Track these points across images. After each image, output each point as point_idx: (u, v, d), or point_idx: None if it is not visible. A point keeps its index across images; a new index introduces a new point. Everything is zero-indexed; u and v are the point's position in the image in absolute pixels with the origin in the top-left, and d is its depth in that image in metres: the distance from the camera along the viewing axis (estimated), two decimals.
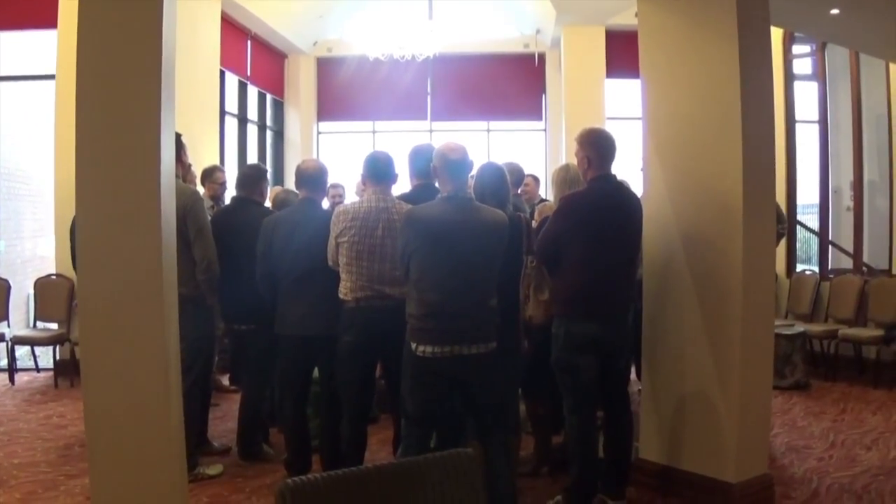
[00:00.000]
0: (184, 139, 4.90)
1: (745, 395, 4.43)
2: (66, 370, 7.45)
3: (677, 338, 4.68)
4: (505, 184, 4.35)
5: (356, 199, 4.48)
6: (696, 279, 4.59)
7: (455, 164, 3.86)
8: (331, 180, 5.91)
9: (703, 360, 4.55)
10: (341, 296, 4.30)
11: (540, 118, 12.59)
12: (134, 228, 3.46)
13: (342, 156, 12.30)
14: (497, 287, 3.90)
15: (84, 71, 3.43)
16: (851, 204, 9.23)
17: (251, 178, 5.34)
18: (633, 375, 5.46)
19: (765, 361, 4.61)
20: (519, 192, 5.76)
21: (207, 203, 6.28)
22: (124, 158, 3.43)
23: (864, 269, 8.87)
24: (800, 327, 7.85)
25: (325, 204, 5.50)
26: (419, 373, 3.79)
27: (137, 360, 3.45)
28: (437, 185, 4.05)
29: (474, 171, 4.31)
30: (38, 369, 8.07)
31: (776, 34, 5.89)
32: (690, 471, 4.59)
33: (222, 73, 9.75)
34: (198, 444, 5.08)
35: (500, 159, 5.22)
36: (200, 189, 6.51)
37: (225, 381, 7.30)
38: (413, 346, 3.76)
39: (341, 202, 7.11)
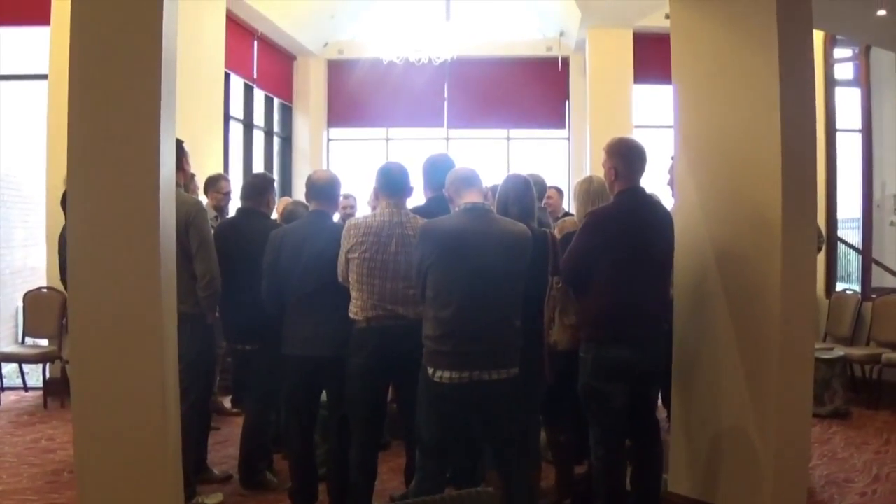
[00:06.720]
0: (185, 146, 4.86)
1: (783, 424, 4.35)
2: (57, 390, 7.40)
3: (710, 362, 4.62)
4: (529, 194, 4.34)
5: (368, 211, 4.43)
6: (731, 299, 4.53)
7: (464, 175, 3.94)
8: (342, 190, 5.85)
9: (738, 386, 4.48)
10: (352, 315, 4.26)
11: (563, 126, 12.54)
12: (130, 241, 3.44)
13: (353, 164, 12.29)
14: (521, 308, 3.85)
15: (76, 72, 3.40)
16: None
17: (257, 188, 5.32)
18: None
19: (804, 389, 4.53)
20: (542, 205, 5.69)
21: (211, 214, 6.25)
22: (120, 165, 3.41)
23: None
24: (840, 351, 7.74)
25: (336, 217, 5.46)
26: (436, 400, 3.75)
27: (132, 380, 3.42)
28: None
29: (494, 183, 4.28)
30: (26, 388, 8.02)
31: (816, 37, 5.86)
32: None
33: (227, 76, 9.76)
34: (196, 471, 5.04)
35: (521, 170, 5.16)
36: (203, 199, 6.49)
37: (227, 403, 7.26)
38: (430, 371, 3.71)
39: (352, 214, 7.10)
